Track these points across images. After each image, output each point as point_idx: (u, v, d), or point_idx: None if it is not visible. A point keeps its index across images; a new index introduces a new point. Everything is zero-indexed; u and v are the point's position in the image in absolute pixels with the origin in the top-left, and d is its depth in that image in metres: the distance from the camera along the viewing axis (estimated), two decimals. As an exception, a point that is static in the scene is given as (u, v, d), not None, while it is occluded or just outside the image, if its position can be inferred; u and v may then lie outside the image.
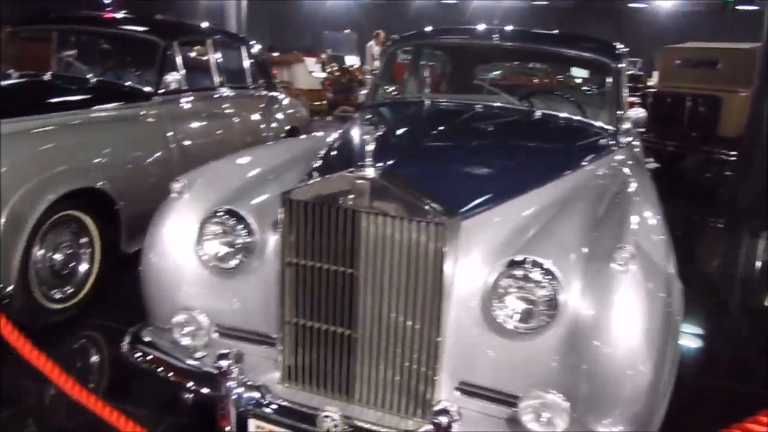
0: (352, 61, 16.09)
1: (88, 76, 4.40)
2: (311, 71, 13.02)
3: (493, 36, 3.71)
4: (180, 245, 2.29)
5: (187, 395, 2.34)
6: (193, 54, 5.46)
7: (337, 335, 2.07)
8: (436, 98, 3.76)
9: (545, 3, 21.06)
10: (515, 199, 2.30)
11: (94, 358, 3.35)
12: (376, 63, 14.23)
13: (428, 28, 4.29)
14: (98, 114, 3.98)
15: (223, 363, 2.00)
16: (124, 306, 3.74)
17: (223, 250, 2.21)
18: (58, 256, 3.39)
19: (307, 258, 2.06)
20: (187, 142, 4.47)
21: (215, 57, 5.25)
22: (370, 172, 1.95)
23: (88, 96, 4.11)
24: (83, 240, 3.57)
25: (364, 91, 4.03)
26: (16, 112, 3.52)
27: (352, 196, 1.96)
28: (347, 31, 19.90)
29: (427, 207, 1.91)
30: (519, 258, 1.92)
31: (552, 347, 1.89)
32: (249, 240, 2.19)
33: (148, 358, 2.34)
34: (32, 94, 4.08)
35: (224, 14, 12.22)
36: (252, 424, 2.02)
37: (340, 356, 2.08)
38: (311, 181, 2.08)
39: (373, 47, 14.40)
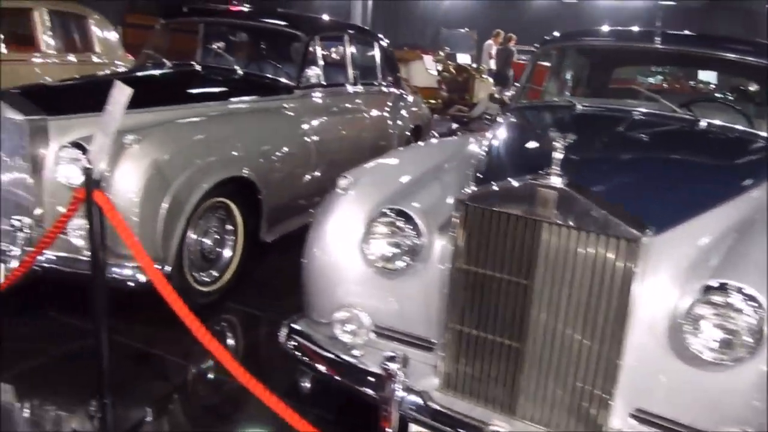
0: (463, 59, 15.87)
1: (235, 67, 4.55)
2: (428, 69, 12.94)
3: (655, 39, 3.49)
4: (344, 242, 2.29)
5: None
6: (330, 49, 5.54)
7: (504, 347, 2.00)
8: (586, 103, 3.58)
9: (673, 3, 19.77)
10: (700, 217, 2.14)
11: (231, 342, 3.45)
12: (492, 62, 14.10)
13: (567, 30, 4.10)
14: (246, 105, 4.11)
15: (392, 365, 1.98)
16: (262, 293, 3.88)
17: (391, 250, 2.19)
18: (207, 241, 3.52)
19: (478, 265, 2.01)
20: (320, 137, 4.53)
21: (351, 52, 5.30)
22: (557, 181, 1.86)
23: (236, 87, 4.25)
24: (228, 227, 3.70)
25: (507, 93, 3.90)
26: (173, 100, 3.70)
27: (535, 204, 1.88)
28: (465, 29, 19.64)
29: (619, 222, 1.80)
30: (715, 283, 1.77)
31: (749, 382, 1.74)
32: (417, 242, 2.16)
33: (303, 348, 2.37)
34: (186, 84, 4.26)
35: (350, 11, 12.40)
36: (413, 428, 2.00)
37: (506, 369, 2.01)
38: (490, 187, 2.02)
39: (492, 46, 14.22)
